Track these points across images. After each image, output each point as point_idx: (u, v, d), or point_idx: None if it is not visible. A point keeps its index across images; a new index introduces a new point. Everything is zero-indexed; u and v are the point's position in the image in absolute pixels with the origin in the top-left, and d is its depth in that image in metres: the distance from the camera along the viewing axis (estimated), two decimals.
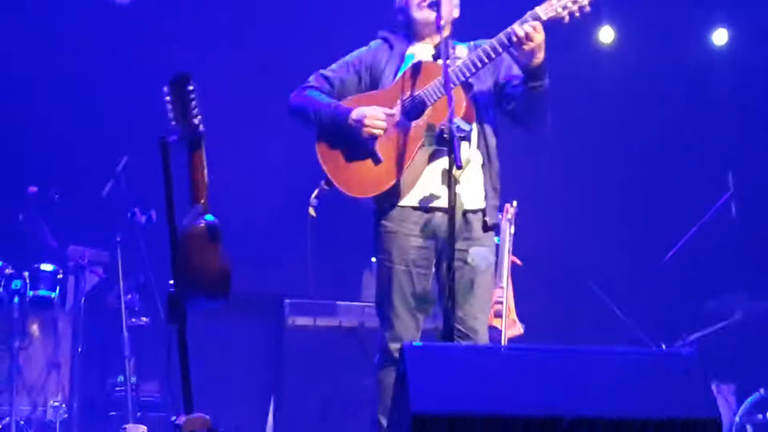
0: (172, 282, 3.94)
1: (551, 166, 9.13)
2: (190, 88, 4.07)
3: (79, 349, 7.26)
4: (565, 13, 4.61)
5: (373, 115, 4.82)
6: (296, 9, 8.88)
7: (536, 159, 8.56)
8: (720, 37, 9.22)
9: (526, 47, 4.59)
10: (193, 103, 4.07)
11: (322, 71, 5.14)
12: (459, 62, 4.77)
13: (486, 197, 4.94)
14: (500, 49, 4.67)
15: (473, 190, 4.89)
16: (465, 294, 4.44)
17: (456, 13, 5.13)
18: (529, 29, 4.56)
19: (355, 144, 4.88)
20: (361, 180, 4.88)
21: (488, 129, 4.96)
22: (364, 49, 5.18)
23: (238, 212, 7.68)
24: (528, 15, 4.63)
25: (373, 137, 4.81)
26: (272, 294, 7.76)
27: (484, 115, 4.94)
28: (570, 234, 9.13)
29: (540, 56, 4.65)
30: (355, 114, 4.86)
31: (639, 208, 9.24)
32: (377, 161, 4.84)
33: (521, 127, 5.00)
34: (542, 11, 4.61)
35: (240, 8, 8.88)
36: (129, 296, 7.25)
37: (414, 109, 4.82)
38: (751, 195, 8.34)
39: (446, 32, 4.92)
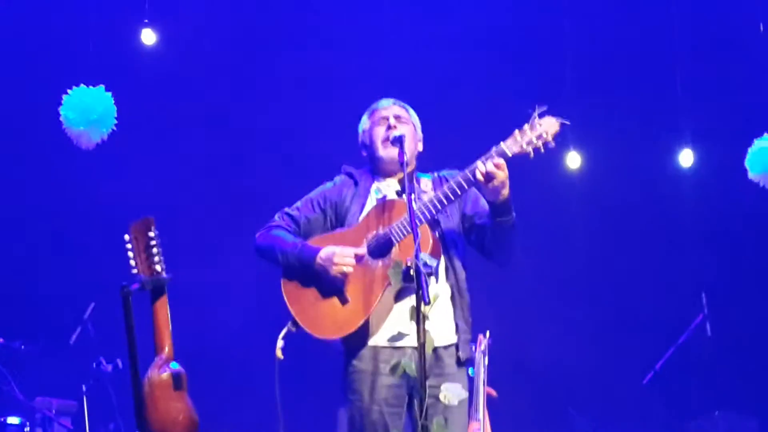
0: None
1: (523, 293, 9.09)
2: (152, 234, 4.02)
3: None
4: (530, 148, 4.61)
5: (343, 254, 4.77)
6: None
7: (508, 287, 8.52)
8: (686, 158, 9.28)
9: (490, 184, 4.58)
10: (155, 249, 4.02)
11: (287, 209, 5.11)
12: (425, 197, 4.75)
13: (457, 331, 4.88)
14: (465, 186, 4.66)
15: (443, 325, 4.83)
16: None
17: (420, 148, 5.14)
18: (491, 168, 4.56)
19: (321, 284, 4.83)
20: (328, 321, 4.81)
21: (457, 263, 4.92)
22: (329, 184, 5.16)
23: (204, 354, 7.63)
24: (493, 150, 4.63)
25: (343, 275, 4.76)
26: None
27: (452, 250, 4.91)
28: (546, 361, 9.08)
29: (505, 192, 4.64)
30: (323, 253, 4.81)
31: (614, 331, 9.19)
32: (344, 301, 4.79)
33: (487, 259, 4.97)
34: (507, 147, 4.61)
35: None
36: None
37: (380, 248, 4.78)
38: (725, 315, 8.33)
39: (410, 167, 4.90)
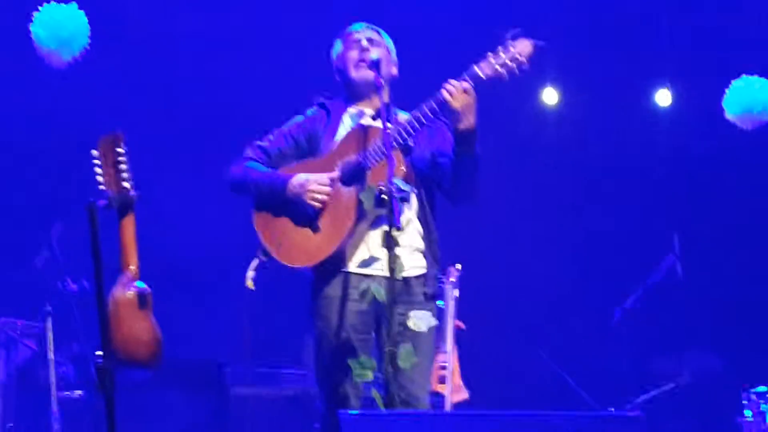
0: (100, 352, 3.79)
1: (495, 227, 9.09)
2: (120, 150, 3.95)
3: (10, 425, 7.04)
4: (504, 71, 4.54)
5: (317, 180, 4.72)
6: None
7: (480, 220, 8.49)
8: (663, 97, 9.24)
9: (457, 107, 4.51)
10: (123, 165, 3.95)
11: (258, 142, 5.02)
12: (396, 126, 4.68)
13: (426, 265, 4.84)
14: (436, 108, 4.59)
15: (414, 255, 4.79)
16: (406, 359, 4.31)
17: (394, 71, 5.06)
18: (452, 88, 4.49)
19: (293, 213, 4.77)
20: (300, 250, 4.76)
21: (426, 197, 4.87)
22: (300, 117, 5.08)
23: (171, 276, 7.59)
24: (465, 74, 4.56)
25: (318, 203, 4.70)
26: (209, 361, 7.62)
27: (422, 183, 4.86)
28: (514, 296, 9.11)
29: (470, 119, 4.57)
30: (296, 181, 4.75)
31: (584, 269, 9.20)
32: (316, 229, 4.74)
33: (450, 200, 4.91)
34: (480, 69, 4.54)
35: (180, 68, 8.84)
36: (63, 368, 7.08)
37: (353, 174, 4.72)
38: (696, 256, 8.34)
39: (385, 92, 4.84)
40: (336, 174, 4.74)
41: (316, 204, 4.71)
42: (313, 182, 4.72)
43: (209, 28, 8.85)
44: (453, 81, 4.54)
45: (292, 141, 4.99)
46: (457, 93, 4.50)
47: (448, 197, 4.90)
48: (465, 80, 4.53)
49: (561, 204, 9.38)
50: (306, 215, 4.75)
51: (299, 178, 4.75)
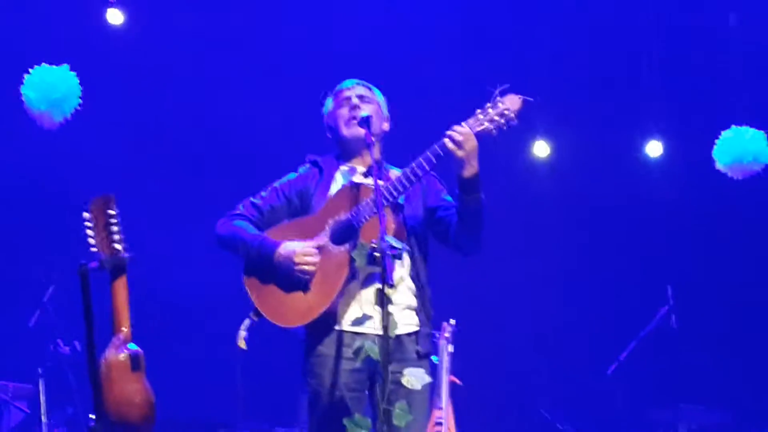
0: (92, 415, 3.78)
1: (488, 281, 9.09)
2: (112, 211, 3.95)
3: None
4: (492, 126, 4.55)
5: (303, 252, 4.69)
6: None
7: (473, 275, 8.49)
8: (654, 149, 9.27)
9: (459, 153, 4.51)
10: (115, 227, 3.95)
11: (251, 198, 5.00)
12: (387, 183, 4.68)
13: (419, 324, 4.82)
14: (429, 165, 4.59)
15: (406, 313, 4.76)
16: (401, 417, 4.28)
17: (386, 127, 5.05)
18: (459, 136, 4.50)
19: (281, 278, 4.74)
20: (291, 310, 4.72)
21: (418, 254, 4.85)
22: (293, 175, 5.06)
23: (164, 335, 7.57)
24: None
25: (306, 275, 4.68)
26: (203, 422, 7.58)
27: (414, 240, 4.84)
28: (509, 351, 9.09)
29: (474, 165, 4.57)
30: (283, 250, 4.71)
31: (579, 322, 9.19)
32: (306, 289, 4.71)
33: (454, 249, 4.89)
34: (469, 126, 4.55)
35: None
36: (56, 431, 7.05)
37: (343, 233, 4.70)
38: (690, 307, 8.34)
39: (376, 149, 4.84)
40: (324, 240, 4.71)
41: (304, 276, 4.70)
42: (300, 254, 4.67)
43: (199, 88, 8.90)
44: (457, 127, 4.55)
45: (285, 199, 4.97)
46: (458, 141, 4.50)
47: (453, 248, 4.86)
48: (463, 127, 4.54)
49: (554, 257, 9.39)
50: (294, 282, 4.73)
51: (286, 248, 4.70)
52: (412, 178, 4.62)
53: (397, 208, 4.73)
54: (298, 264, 4.67)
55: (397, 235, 4.60)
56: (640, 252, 9.36)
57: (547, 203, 9.42)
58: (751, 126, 7.95)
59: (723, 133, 7.83)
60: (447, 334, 6.82)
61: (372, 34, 8.88)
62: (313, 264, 4.67)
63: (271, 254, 4.73)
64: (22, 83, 6.91)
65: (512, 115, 4.54)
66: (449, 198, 4.86)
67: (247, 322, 4.76)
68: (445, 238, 4.86)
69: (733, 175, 7.84)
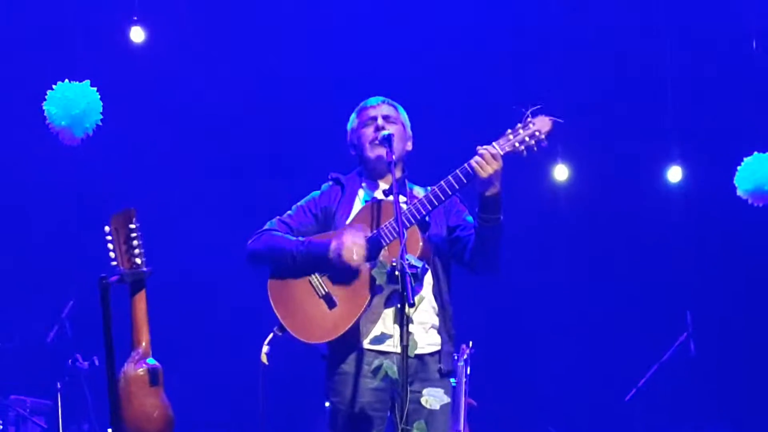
0: (110, 430, 3.77)
1: (507, 304, 9.06)
2: (133, 225, 3.95)
3: None
4: (522, 147, 4.56)
5: (354, 239, 4.66)
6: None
7: (493, 298, 8.48)
8: (675, 174, 9.25)
9: (484, 175, 4.50)
10: (136, 241, 3.95)
11: (279, 218, 4.99)
12: (415, 201, 4.68)
13: (441, 342, 4.80)
14: (459, 184, 4.58)
15: (428, 333, 4.76)
16: None
17: (409, 147, 5.05)
18: (489, 156, 4.49)
19: (309, 289, 4.73)
20: (316, 325, 4.71)
21: (442, 273, 4.85)
22: (317, 193, 5.06)
23: (183, 355, 7.55)
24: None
25: (357, 261, 4.63)
26: None
27: (437, 259, 4.83)
28: (528, 374, 9.05)
29: (497, 186, 4.56)
30: (336, 241, 4.68)
31: (597, 347, 9.14)
32: (332, 305, 4.70)
33: (469, 269, 4.88)
34: (499, 146, 4.55)
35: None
36: None
37: (369, 251, 4.70)
38: (709, 334, 8.30)
39: (398, 168, 4.84)
40: (370, 233, 4.71)
41: (355, 262, 4.66)
42: (349, 241, 4.66)
43: (220, 104, 8.92)
44: (488, 147, 4.54)
45: (311, 215, 4.97)
46: (488, 161, 4.49)
47: (470, 268, 4.85)
48: (493, 147, 4.53)
49: (573, 281, 9.36)
50: (320, 292, 4.71)
51: (339, 239, 4.68)
52: (442, 196, 4.62)
53: (423, 226, 4.71)
54: (348, 251, 4.63)
55: (423, 253, 4.60)
56: (660, 278, 9.32)
57: (566, 227, 9.40)
58: None
59: (745, 159, 7.78)
60: (465, 357, 6.80)
61: (400, 51, 8.89)
62: (363, 249, 4.64)
63: (325, 252, 4.70)
64: (45, 99, 6.92)
65: (543, 136, 4.56)
66: (470, 218, 4.86)
67: (270, 336, 4.75)
68: (461, 258, 4.87)
69: (754, 202, 7.79)
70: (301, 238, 4.83)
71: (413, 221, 4.61)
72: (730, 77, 9.00)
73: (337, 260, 4.67)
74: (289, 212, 5.02)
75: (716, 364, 8.71)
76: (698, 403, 8.71)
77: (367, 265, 4.65)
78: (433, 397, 4.38)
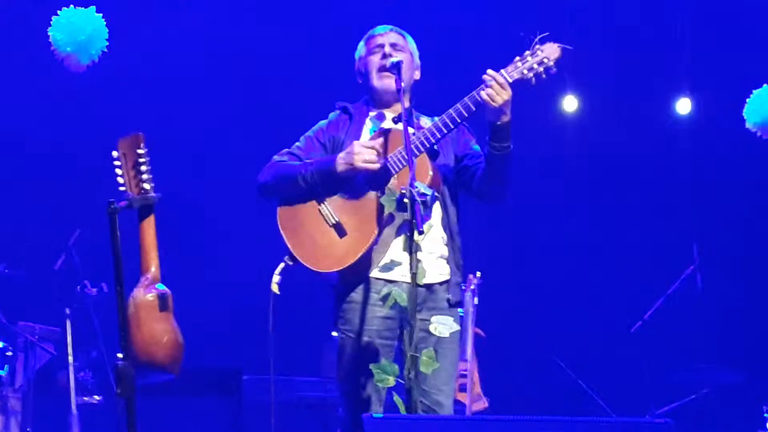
0: (120, 354, 3.75)
1: (514, 235, 9.06)
2: (141, 150, 3.91)
3: (28, 429, 7.01)
4: (531, 74, 4.54)
5: (361, 143, 4.67)
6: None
7: (500, 228, 8.47)
8: (684, 106, 9.20)
9: (493, 104, 4.48)
10: (144, 167, 3.91)
11: (287, 149, 4.97)
12: (424, 129, 4.65)
13: (450, 273, 4.80)
14: (468, 111, 4.56)
15: (437, 262, 4.75)
16: (428, 365, 4.27)
17: (417, 76, 5.03)
18: (496, 83, 4.46)
19: (318, 219, 4.73)
20: (327, 255, 4.70)
21: (450, 204, 4.85)
22: (324, 122, 5.04)
23: (193, 282, 7.56)
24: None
25: (370, 164, 4.62)
26: (229, 369, 7.59)
27: (446, 188, 4.83)
28: (534, 305, 9.06)
29: (507, 114, 4.55)
30: (342, 154, 4.68)
31: (604, 279, 9.14)
32: (342, 234, 4.70)
33: (477, 197, 4.88)
34: (508, 74, 4.53)
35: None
36: (82, 373, 7.06)
37: (378, 179, 4.68)
38: (717, 266, 8.29)
39: (406, 98, 4.81)
40: (380, 141, 4.68)
41: (370, 165, 4.63)
42: (358, 145, 4.66)
43: (229, 27, 8.85)
44: (493, 73, 4.50)
45: (320, 145, 4.95)
46: (497, 90, 4.46)
47: (478, 196, 4.86)
48: (501, 75, 4.49)
49: (580, 213, 9.35)
50: (332, 219, 4.69)
51: (345, 150, 4.69)
52: (451, 124, 4.61)
53: (432, 154, 4.70)
54: (358, 153, 4.62)
55: (433, 181, 4.59)
56: (667, 210, 9.30)
57: (575, 158, 9.36)
58: None
59: (754, 91, 7.72)
60: (472, 287, 6.82)
61: None
62: (375, 152, 4.62)
63: (333, 165, 4.69)
64: (50, 25, 6.85)
65: (551, 63, 4.56)
66: (477, 147, 4.86)
67: (281, 266, 4.74)
68: (469, 187, 4.88)
69: (763, 135, 7.74)
70: (307, 160, 4.81)
71: (422, 149, 4.60)
72: (739, 8, 8.91)
73: (346, 169, 4.65)
74: (297, 143, 5.00)
75: (723, 298, 8.70)
76: (704, 336, 8.72)
77: (376, 193, 4.63)
78: (443, 325, 4.38)
